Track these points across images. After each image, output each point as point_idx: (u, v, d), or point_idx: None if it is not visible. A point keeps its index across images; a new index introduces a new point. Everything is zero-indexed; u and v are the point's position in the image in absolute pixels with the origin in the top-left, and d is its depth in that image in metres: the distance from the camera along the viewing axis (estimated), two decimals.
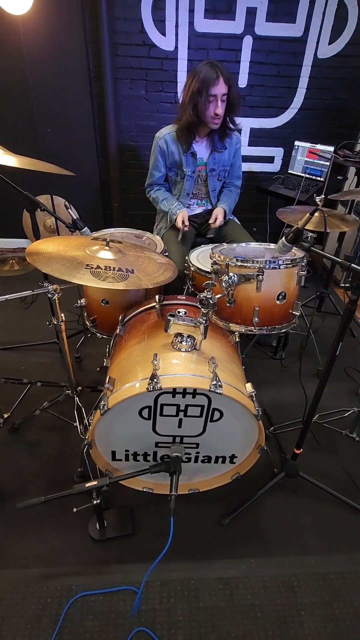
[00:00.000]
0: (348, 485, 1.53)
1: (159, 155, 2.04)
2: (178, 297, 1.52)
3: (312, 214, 1.09)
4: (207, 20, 2.56)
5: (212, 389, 1.07)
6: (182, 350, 1.21)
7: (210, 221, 2.08)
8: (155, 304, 1.42)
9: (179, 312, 1.27)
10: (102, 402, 1.16)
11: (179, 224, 1.99)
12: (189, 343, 1.22)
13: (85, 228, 1.54)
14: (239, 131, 2.07)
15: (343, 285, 2.95)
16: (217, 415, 1.21)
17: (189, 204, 2.17)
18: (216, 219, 2.05)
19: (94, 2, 2.41)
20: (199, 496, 1.42)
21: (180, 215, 2.00)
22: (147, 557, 1.24)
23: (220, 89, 1.78)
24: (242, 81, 2.78)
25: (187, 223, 2.01)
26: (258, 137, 3.00)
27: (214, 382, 1.08)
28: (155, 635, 1.10)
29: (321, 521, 1.41)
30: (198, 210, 2.20)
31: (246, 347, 2.11)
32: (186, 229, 2.01)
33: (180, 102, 1.92)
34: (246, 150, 3.01)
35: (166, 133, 2.00)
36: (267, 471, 1.53)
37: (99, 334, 1.72)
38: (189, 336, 1.23)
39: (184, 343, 1.22)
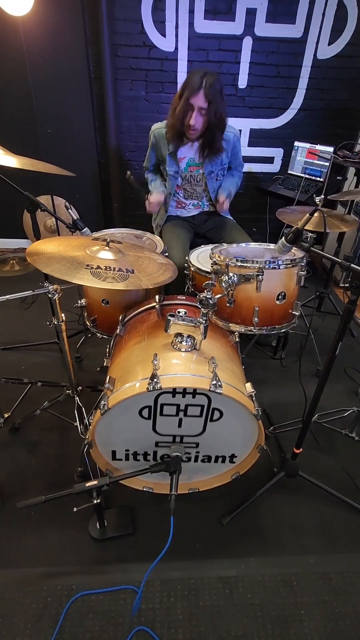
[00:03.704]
0: (348, 485, 1.53)
1: (150, 146, 2.08)
2: (178, 297, 1.52)
3: (311, 214, 1.10)
4: (207, 21, 2.57)
5: (212, 389, 1.07)
6: (182, 350, 1.22)
7: (218, 208, 2.09)
8: (155, 304, 1.43)
9: (179, 312, 1.27)
10: (102, 402, 1.16)
11: (150, 200, 2.02)
12: (189, 343, 1.22)
13: (86, 228, 1.54)
14: (239, 130, 2.07)
15: (343, 285, 2.95)
16: (217, 415, 1.21)
17: (184, 203, 2.17)
18: (222, 204, 2.06)
19: (94, 2, 2.42)
20: (199, 496, 1.42)
21: (153, 195, 2.03)
22: (147, 556, 1.24)
23: (199, 101, 1.74)
24: (242, 82, 2.78)
25: (153, 206, 2.03)
26: (258, 138, 3.01)
27: (214, 382, 1.09)
28: (155, 634, 1.11)
29: (321, 521, 1.41)
30: (194, 211, 2.19)
31: (246, 347, 2.12)
32: (155, 209, 2.05)
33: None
34: (246, 150, 3.01)
35: (157, 128, 2.01)
36: (267, 471, 1.54)
37: (99, 334, 1.72)
38: (189, 336, 1.23)
39: (184, 343, 1.22)
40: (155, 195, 2.03)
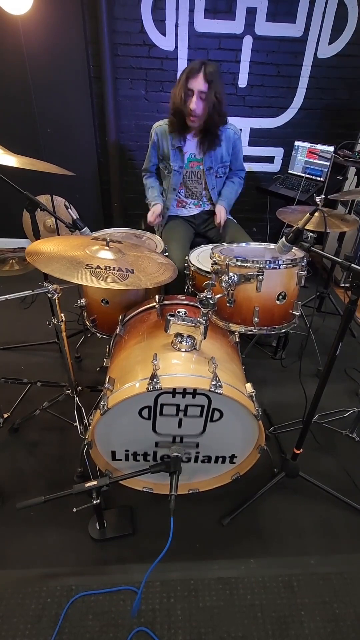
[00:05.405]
0: (348, 485, 1.53)
1: (151, 145, 2.08)
2: (178, 297, 1.52)
3: (312, 214, 1.10)
4: (207, 20, 2.56)
5: (212, 389, 1.07)
6: (182, 350, 1.21)
7: (216, 222, 2.07)
8: (155, 304, 1.42)
9: (179, 312, 1.27)
10: (102, 402, 1.16)
11: (149, 218, 2.04)
12: (189, 343, 1.22)
13: (85, 228, 1.53)
14: (240, 130, 2.07)
15: (343, 285, 2.95)
16: (217, 415, 1.20)
17: (185, 202, 2.17)
18: (220, 220, 2.04)
19: (94, 2, 2.41)
20: (199, 496, 1.42)
21: (152, 210, 2.05)
22: (147, 557, 1.24)
23: (198, 84, 1.74)
24: (242, 81, 2.78)
25: (154, 219, 2.05)
26: (258, 137, 3.00)
27: (214, 382, 1.08)
28: (155, 635, 1.10)
29: (321, 521, 1.41)
30: (195, 210, 2.19)
31: (246, 347, 2.11)
32: (155, 221, 2.06)
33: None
34: (246, 150, 3.01)
35: (159, 125, 2.01)
36: (267, 471, 1.53)
37: (99, 334, 1.72)
38: (189, 336, 1.23)
39: (184, 343, 1.22)
40: (155, 208, 2.04)
